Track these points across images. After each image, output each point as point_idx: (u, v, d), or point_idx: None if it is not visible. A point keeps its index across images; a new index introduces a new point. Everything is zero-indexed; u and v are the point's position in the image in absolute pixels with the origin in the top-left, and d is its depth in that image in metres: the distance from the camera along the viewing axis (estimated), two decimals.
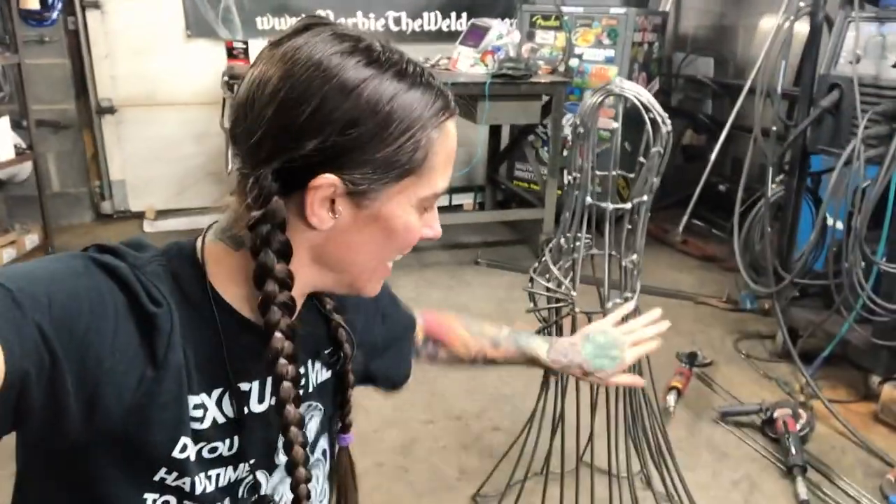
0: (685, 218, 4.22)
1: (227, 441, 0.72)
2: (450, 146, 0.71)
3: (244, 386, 0.73)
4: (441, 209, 0.76)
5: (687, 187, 4.27)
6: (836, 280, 2.59)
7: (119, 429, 0.63)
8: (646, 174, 1.48)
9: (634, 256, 1.54)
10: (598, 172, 1.60)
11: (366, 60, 0.64)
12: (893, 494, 2.13)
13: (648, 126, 1.45)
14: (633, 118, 1.70)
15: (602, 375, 1.07)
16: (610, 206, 1.48)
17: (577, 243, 1.59)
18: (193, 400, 0.68)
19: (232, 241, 0.70)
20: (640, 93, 1.42)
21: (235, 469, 0.74)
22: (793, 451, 2.24)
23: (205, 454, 0.71)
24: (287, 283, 0.67)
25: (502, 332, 1.09)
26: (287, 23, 4.27)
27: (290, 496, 0.74)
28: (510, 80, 3.48)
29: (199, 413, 0.69)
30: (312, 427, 0.84)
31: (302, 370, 0.80)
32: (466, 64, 3.62)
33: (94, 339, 0.59)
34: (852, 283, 2.52)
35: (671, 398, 2.56)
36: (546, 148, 4.14)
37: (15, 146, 3.47)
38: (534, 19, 4.34)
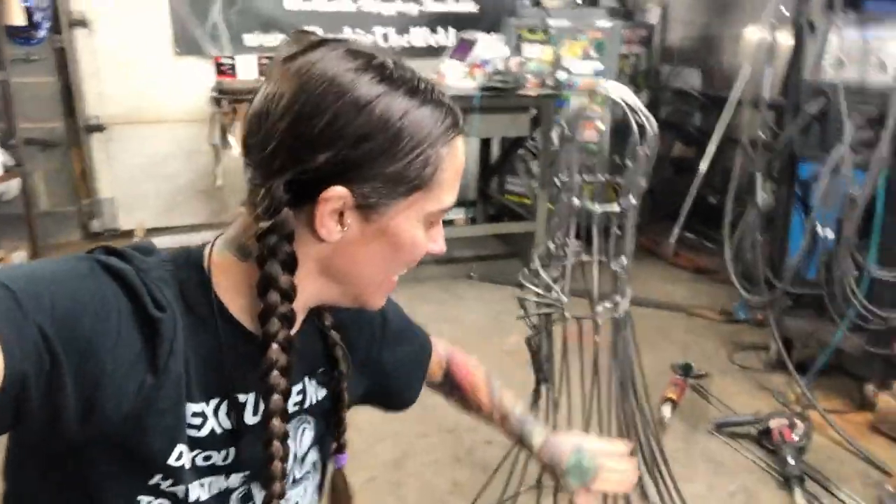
0: (676, 230, 4.22)
1: (223, 451, 0.72)
2: (458, 163, 0.72)
3: (241, 397, 0.73)
4: None
5: (677, 200, 4.27)
6: (829, 288, 2.57)
7: (116, 432, 0.63)
8: (633, 176, 1.47)
9: (624, 260, 1.52)
10: (586, 178, 1.59)
11: (379, 77, 0.66)
12: (893, 503, 2.10)
13: (634, 127, 1.44)
14: (619, 130, 1.69)
15: (565, 486, 1.05)
16: (598, 207, 1.46)
17: (567, 249, 1.57)
18: (192, 408, 0.69)
19: (239, 252, 0.70)
20: (624, 94, 1.40)
21: (228, 478, 0.74)
22: (790, 461, 2.21)
23: (199, 462, 0.71)
24: (290, 294, 0.67)
25: (516, 408, 1.10)
26: (276, 39, 4.28)
27: None
28: (500, 92, 3.48)
29: (197, 421, 0.69)
30: (306, 439, 0.84)
31: (299, 387, 0.80)
32: (455, 77, 3.63)
33: (96, 343, 0.59)
34: (844, 291, 2.51)
35: (666, 409, 2.53)
36: (536, 161, 4.14)
37: (3, 164, 3.44)
38: (520, 33, 4.36)
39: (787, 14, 2.77)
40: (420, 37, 4.63)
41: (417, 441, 2.40)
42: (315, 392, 0.83)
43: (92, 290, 0.61)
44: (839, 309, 2.55)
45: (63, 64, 4.12)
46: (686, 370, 2.80)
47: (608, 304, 1.52)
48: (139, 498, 0.68)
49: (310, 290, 0.71)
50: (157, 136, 4.33)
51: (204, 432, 0.70)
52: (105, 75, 4.21)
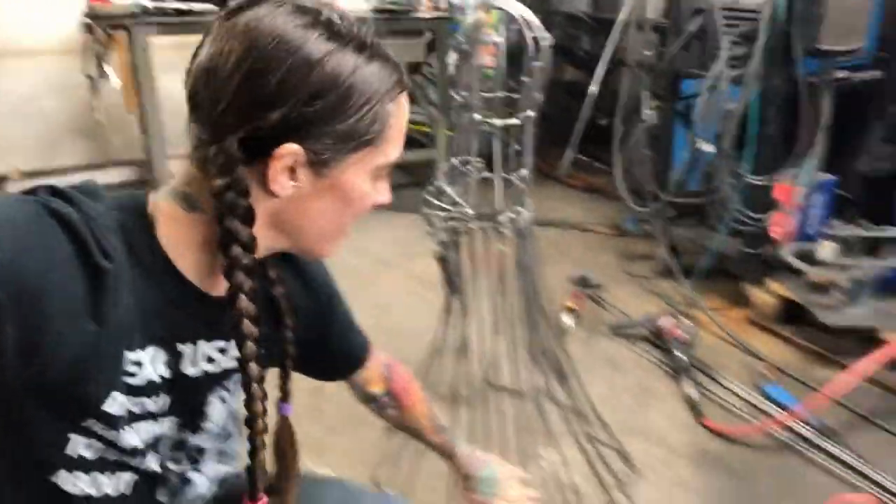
0: (570, 153, 4.36)
1: (157, 399, 0.74)
2: (403, 118, 0.75)
3: (180, 347, 0.74)
4: None
5: (571, 124, 4.39)
6: (709, 197, 2.77)
7: (54, 379, 0.63)
8: (529, 91, 1.52)
9: (524, 172, 1.58)
10: (484, 94, 1.62)
11: (327, 34, 0.67)
12: (767, 385, 2.35)
13: (530, 43, 1.47)
14: (513, 54, 1.74)
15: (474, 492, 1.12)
16: (498, 121, 1.51)
17: (470, 165, 1.61)
18: (131, 356, 0.69)
19: (185, 203, 0.71)
20: (519, 8, 1.43)
21: (160, 425, 0.75)
22: (678, 356, 2.42)
23: (133, 409, 0.71)
24: (251, 246, 0.69)
25: (444, 424, 1.15)
26: None
27: (215, 459, 0.81)
28: (393, 15, 3.41)
29: (134, 369, 0.70)
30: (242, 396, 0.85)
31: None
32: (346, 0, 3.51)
33: (40, 288, 0.59)
34: (723, 199, 2.71)
35: (567, 318, 2.69)
36: (433, 88, 4.12)
37: None
38: None
39: None
40: None
41: None
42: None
43: (38, 235, 0.61)
44: (719, 215, 2.76)
45: None
46: (583, 282, 2.96)
47: (511, 215, 1.59)
48: (70, 436, 0.69)
49: (261, 241, 0.72)
50: (23, 70, 3.97)
51: (140, 380, 0.71)
52: None
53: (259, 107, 0.65)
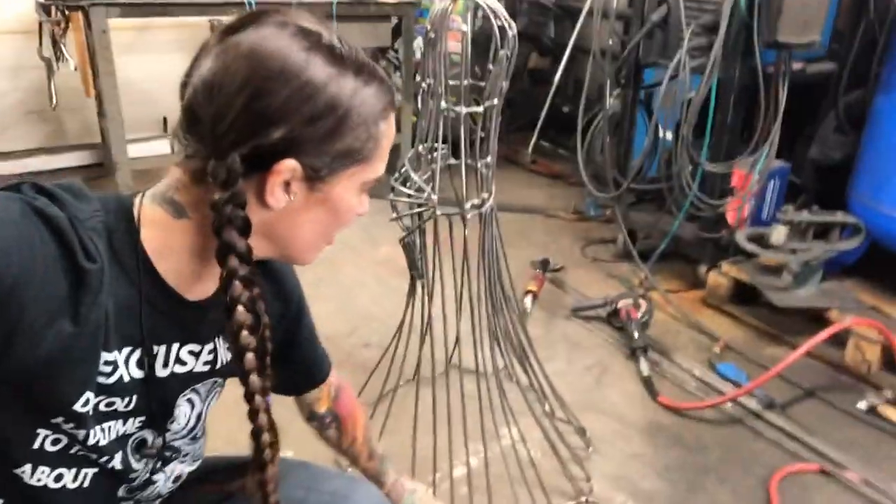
0: (534, 139, 4.40)
1: (126, 398, 0.75)
2: (392, 135, 0.79)
3: (154, 348, 0.76)
4: None
5: (535, 110, 4.42)
6: (668, 183, 2.85)
7: (27, 375, 0.64)
8: (495, 79, 1.55)
9: (489, 159, 1.62)
10: (450, 82, 1.65)
11: (330, 58, 0.70)
12: (719, 364, 2.45)
13: (496, 31, 1.50)
14: (478, 43, 1.76)
15: None
16: (464, 109, 1.54)
17: (435, 152, 1.64)
18: (105, 356, 0.70)
19: (172, 209, 0.72)
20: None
21: (125, 424, 0.77)
22: (635, 335, 2.50)
23: (102, 407, 0.72)
24: (247, 257, 0.70)
25: (379, 451, 1.20)
26: None
27: (178, 459, 0.84)
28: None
29: (108, 369, 0.71)
30: (215, 401, 0.89)
31: (210, 346, 0.83)
32: None
33: (20, 287, 0.60)
34: (681, 185, 2.79)
35: (528, 301, 2.75)
36: (399, 73, 4.12)
37: None
38: None
39: None
40: None
41: None
42: (226, 353, 0.85)
43: (22, 233, 0.61)
44: (677, 201, 2.84)
45: None
46: (544, 265, 3.03)
47: (475, 201, 1.63)
48: (38, 431, 0.70)
49: None
50: None
51: (112, 379, 0.72)
52: None
53: (262, 125, 0.68)
